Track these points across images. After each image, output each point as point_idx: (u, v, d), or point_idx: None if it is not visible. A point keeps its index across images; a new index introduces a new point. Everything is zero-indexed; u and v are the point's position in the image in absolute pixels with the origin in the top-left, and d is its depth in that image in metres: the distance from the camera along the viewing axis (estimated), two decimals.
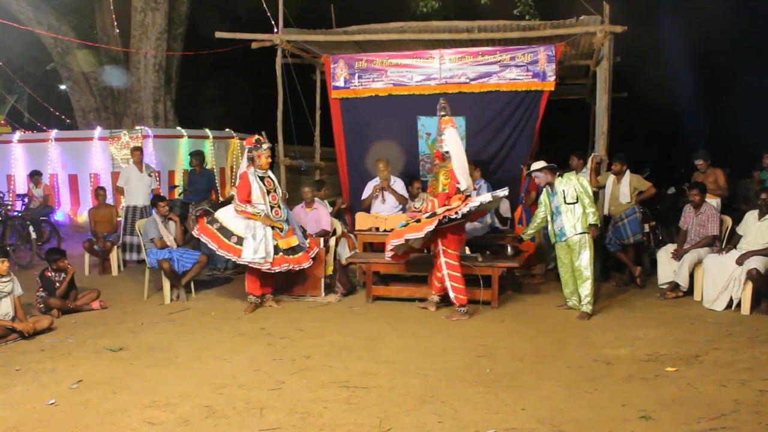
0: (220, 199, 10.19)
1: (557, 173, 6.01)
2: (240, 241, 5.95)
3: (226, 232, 6.02)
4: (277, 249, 6.02)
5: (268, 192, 6.16)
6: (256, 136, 6.21)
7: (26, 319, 5.40)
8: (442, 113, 5.97)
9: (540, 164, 6.01)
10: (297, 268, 6.17)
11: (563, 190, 5.91)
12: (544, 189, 6.09)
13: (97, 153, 11.43)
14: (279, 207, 6.22)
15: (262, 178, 6.17)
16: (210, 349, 4.93)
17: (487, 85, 7.82)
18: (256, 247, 5.88)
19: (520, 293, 6.85)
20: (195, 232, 6.26)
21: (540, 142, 9.61)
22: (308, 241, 6.42)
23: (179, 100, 14.12)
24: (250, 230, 5.97)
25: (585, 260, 5.85)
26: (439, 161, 5.92)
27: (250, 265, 5.97)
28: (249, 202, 6.06)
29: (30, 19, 12.39)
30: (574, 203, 5.86)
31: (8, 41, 14.66)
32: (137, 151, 8.71)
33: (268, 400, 3.87)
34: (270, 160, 6.22)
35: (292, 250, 6.13)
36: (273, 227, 6.07)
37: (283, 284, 6.75)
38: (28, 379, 4.32)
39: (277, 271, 6.03)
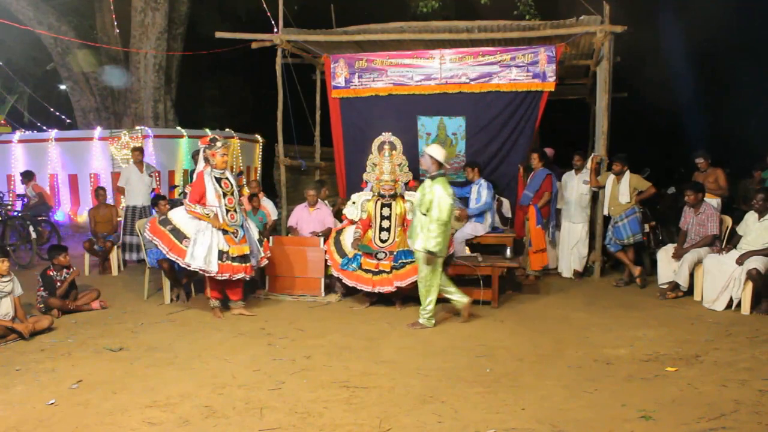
0: None
1: (439, 174, 5.36)
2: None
3: (178, 234, 5.76)
4: (227, 255, 5.74)
5: (224, 194, 5.88)
6: (211, 136, 6.01)
7: (26, 319, 5.40)
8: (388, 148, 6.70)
9: (439, 154, 5.41)
10: (247, 278, 5.91)
11: (422, 196, 5.34)
12: (425, 180, 5.48)
13: (97, 153, 11.45)
14: (235, 211, 5.93)
15: (219, 180, 5.90)
16: (210, 349, 4.93)
17: (488, 85, 7.82)
18: (201, 252, 5.62)
19: (520, 293, 6.85)
20: (147, 234, 6.02)
21: (540, 142, 9.63)
22: (262, 248, 6.17)
23: (179, 100, 14.13)
24: (198, 233, 5.71)
25: (423, 272, 5.44)
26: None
27: (199, 270, 5.73)
28: (202, 203, 5.82)
29: (30, 19, 12.40)
30: (425, 215, 5.30)
31: (8, 41, 14.67)
32: (137, 151, 8.72)
33: (268, 400, 3.86)
34: (226, 158, 5.93)
35: (243, 258, 5.84)
36: (226, 231, 5.80)
37: (283, 284, 6.77)
38: (28, 379, 4.32)
39: (220, 278, 5.74)
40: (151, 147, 11.16)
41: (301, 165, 9.12)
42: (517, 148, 7.96)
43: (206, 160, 5.94)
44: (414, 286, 5.99)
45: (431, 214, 5.22)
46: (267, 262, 6.34)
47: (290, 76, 8.33)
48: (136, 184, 8.45)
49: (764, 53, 13.46)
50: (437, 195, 5.22)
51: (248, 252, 5.90)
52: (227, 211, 5.88)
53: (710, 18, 12.55)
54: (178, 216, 5.91)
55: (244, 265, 5.85)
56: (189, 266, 5.70)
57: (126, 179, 8.52)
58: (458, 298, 5.64)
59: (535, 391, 3.98)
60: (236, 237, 5.86)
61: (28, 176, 10.02)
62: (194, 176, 6.14)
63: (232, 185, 6.00)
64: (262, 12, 9.23)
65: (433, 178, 5.36)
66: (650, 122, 14.91)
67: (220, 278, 5.76)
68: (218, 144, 5.90)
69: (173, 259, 5.80)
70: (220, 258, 5.71)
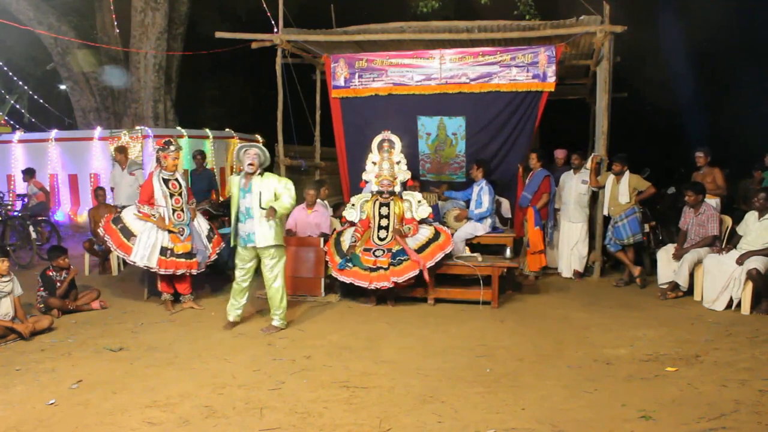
0: (220, 199, 10.19)
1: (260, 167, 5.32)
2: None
3: (126, 232, 6.08)
4: (171, 252, 6.03)
5: (171, 195, 6.15)
6: (167, 138, 6.29)
7: (26, 319, 5.40)
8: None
9: (254, 156, 5.29)
10: (189, 273, 6.17)
11: (260, 192, 5.29)
12: (239, 181, 5.38)
13: (97, 153, 11.45)
14: (182, 210, 6.20)
15: (167, 181, 6.16)
16: (210, 349, 4.93)
17: (488, 85, 7.81)
18: (144, 251, 5.95)
19: (520, 293, 6.85)
20: (101, 231, 6.28)
21: (540, 142, 9.62)
22: (211, 245, 6.43)
23: (179, 100, 14.13)
24: (143, 233, 6.03)
25: (277, 270, 5.46)
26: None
27: (143, 267, 6.02)
28: (151, 203, 6.10)
29: (30, 19, 12.40)
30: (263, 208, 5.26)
31: (8, 41, 14.67)
32: (116, 152, 9.02)
33: (268, 400, 3.87)
34: (177, 162, 6.19)
35: (188, 255, 6.13)
36: (171, 231, 6.07)
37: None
38: (28, 379, 4.32)
39: (164, 273, 6.04)
40: (151, 147, 11.16)
41: (301, 165, 9.11)
42: (516, 148, 7.95)
43: (158, 160, 6.22)
44: (410, 282, 6.13)
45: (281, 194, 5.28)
46: (216, 257, 6.55)
47: (290, 76, 8.33)
48: (119, 183, 8.68)
49: (764, 53, 13.48)
50: (274, 183, 5.31)
51: (190, 249, 6.17)
52: (174, 210, 6.17)
53: (710, 18, 12.57)
54: (128, 215, 6.23)
55: (188, 261, 6.13)
56: (135, 263, 6.01)
57: (112, 179, 8.80)
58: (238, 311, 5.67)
59: (535, 391, 3.98)
60: (181, 235, 6.15)
61: (29, 173, 10.08)
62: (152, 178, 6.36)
63: (180, 186, 6.26)
64: (262, 12, 9.24)
65: (262, 174, 5.34)
66: (650, 122, 14.91)
67: (163, 273, 6.04)
68: (171, 148, 6.18)
69: (121, 256, 6.10)
70: (164, 254, 6.02)
